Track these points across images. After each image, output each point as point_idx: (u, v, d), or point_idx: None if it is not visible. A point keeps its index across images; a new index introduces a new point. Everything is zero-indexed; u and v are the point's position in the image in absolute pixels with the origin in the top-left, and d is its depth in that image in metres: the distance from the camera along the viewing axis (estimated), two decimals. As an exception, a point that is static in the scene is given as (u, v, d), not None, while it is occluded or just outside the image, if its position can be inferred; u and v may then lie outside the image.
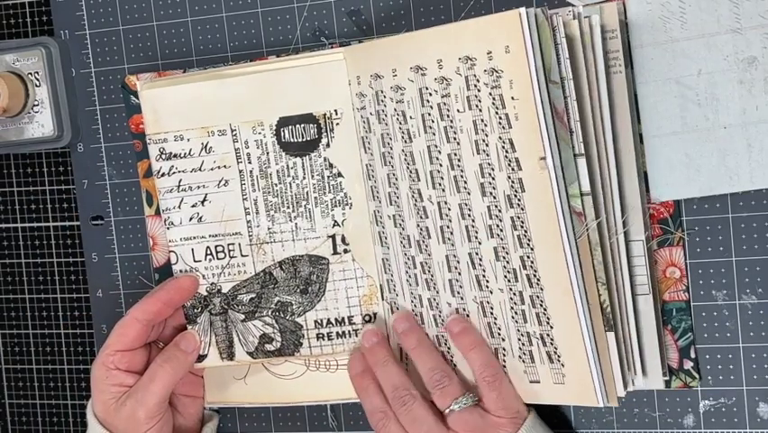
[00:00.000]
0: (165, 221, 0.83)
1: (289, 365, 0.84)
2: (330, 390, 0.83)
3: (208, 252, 0.83)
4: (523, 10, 0.68)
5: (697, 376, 0.77)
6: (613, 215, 0.73)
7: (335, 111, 0.79)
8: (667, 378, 0.76)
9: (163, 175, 0.82)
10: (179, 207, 0.82)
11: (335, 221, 0.80)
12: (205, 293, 0.83)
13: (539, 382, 0.75)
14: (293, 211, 0.81)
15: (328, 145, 0.80)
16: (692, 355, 0.76)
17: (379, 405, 0.78)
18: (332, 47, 0.81)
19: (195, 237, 0.82)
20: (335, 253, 0.81)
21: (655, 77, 0.74)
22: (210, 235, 0.82)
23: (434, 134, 0.74)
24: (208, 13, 0.85)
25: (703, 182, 0.74)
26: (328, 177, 0.80)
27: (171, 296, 0.81)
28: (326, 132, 0.80)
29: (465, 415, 0.74)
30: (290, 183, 0.80)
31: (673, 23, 0.73)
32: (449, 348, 0.78)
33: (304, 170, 0.80)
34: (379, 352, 0.79)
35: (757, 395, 0.76)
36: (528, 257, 0.72)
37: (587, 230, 0.71)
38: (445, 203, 0.75)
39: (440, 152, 0.74)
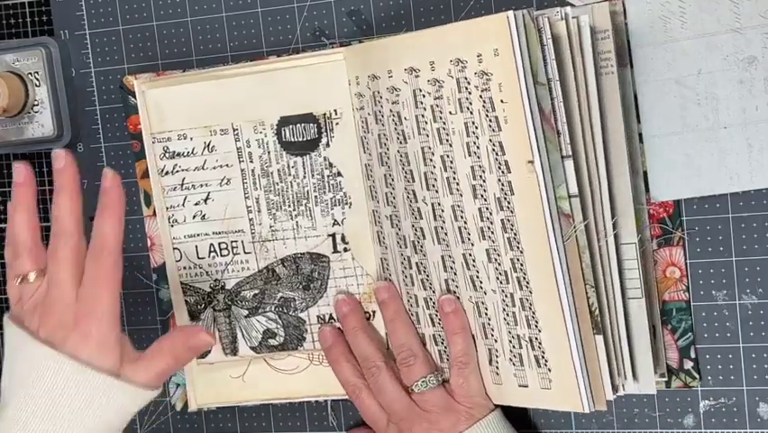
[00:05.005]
0: (169, 219, 0.84)
1: (292, 360, 0.84)
2: (334, 384, 0.82)
3: (212, 249, 0.83)
4: (511, 13, 0.67)
5: (697, 376, 0.77)
6: (602, 217, 0.72)
7: (335, 111, 0.79)
8: (666, 379, 0.76)
9: (167, 173, 0.83)
10: (183, 204, 0.83)
11: (335, 220, 0.80)
12: (209, 289, 0.83)
13: (527, 387, 0.74)
14: (294, 210, 0.81)
15: (328, 145, 0.80)
16: (692, 355, 0.76)
17: (350, 377, 0.80)
18: (332, 47, 0.81)
19: (198, 234, 0.83)
20: (335, 251, 0.81)
21: (655, 77, 0.74)
22: (213, 233, 0.83)
23: (427, 136, 0.74)
24: (208, 13, 0.85)
25: (703, 182, 0.74)
26: (328, 176, 0.80)
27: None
28: (326, 131, 0.80)
29: (427, 394, 0.76)
30: (291, 182, 0.81)
31: (673, 22, 0.73)
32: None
33: (304, 169, 0.80)
34: (351, 320, 0.80)
35: (757, 395, 0.76)
36: (518, 260, 0.72)
37: (575, 232, 0.70)
38: (439, 204, 0.75)
39: (433, 154, 0.74)
